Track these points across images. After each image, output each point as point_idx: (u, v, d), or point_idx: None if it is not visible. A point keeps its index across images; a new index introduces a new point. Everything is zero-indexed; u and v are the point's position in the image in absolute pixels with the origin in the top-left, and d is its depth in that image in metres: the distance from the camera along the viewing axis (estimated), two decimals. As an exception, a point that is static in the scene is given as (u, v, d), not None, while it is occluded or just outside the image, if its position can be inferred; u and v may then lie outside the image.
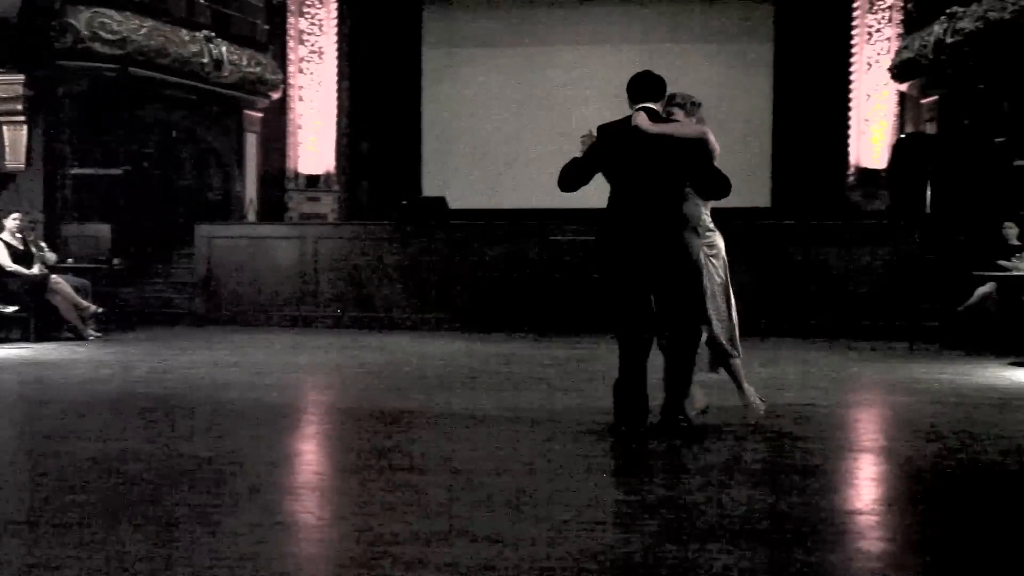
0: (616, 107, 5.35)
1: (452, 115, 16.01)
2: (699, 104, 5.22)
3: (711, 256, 5.16)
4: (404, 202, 12.32)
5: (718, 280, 5.18)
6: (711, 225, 5.20)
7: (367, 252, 11.43)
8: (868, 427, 5.85)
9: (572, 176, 5.07)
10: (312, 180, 15.37)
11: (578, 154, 5.12)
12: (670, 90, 5.10)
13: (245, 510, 3.69)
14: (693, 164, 4.90)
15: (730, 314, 5.25)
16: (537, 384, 6.97)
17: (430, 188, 15.56)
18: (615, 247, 4.94)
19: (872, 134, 14.22)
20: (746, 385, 5.39)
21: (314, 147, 15.37)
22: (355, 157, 15.89)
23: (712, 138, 4.93)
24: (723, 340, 5.22)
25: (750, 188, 13.84)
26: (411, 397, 6.41)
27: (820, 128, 14.57)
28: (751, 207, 13.20)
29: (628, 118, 5.00)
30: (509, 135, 15.81)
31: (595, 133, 5.09)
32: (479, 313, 11.02)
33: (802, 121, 14.83)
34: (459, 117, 15.97)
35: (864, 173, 14.19)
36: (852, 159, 14.32)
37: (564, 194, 5.29)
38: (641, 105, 4.99)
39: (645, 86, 5.02)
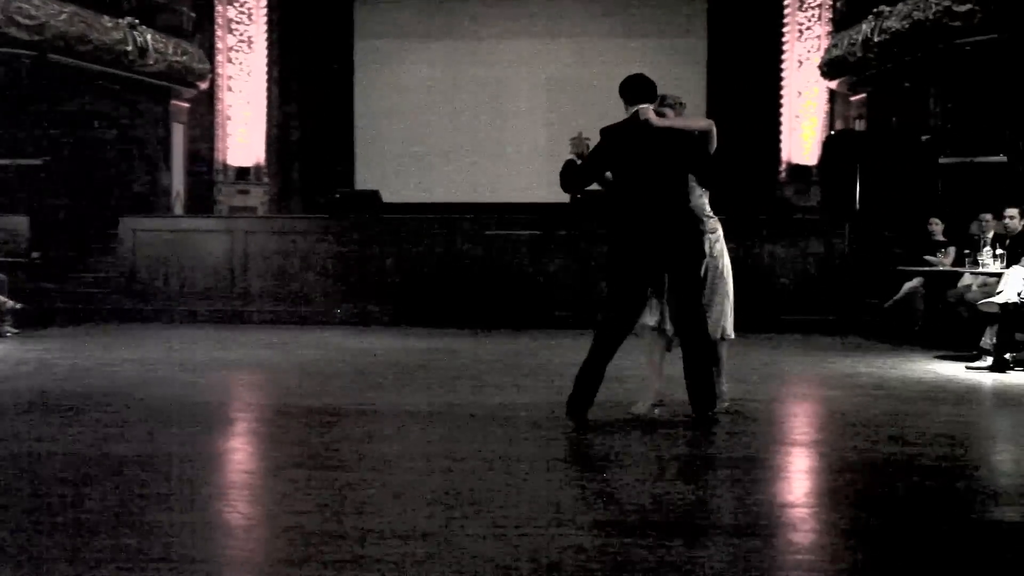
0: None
1: (385, 107, 15.89)
2: (685, 104, 5.59)
3: (715, 241, 5.47)
4: (337, 195, 12.20)
5: (726, 263, 5.50)
6: (710, 212, 5.49)
7: (299, 246, 11.29)
8: (799, 421, 5.95)
9: (577, 178, 5.38)
10: (242, 172, 15.12)
11: (569, 155, 5.38)
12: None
13: (172, 510, 3.62)
14: (699, 155, 5.28)
15: (727, 294, 5.50)
16: (472, 380, 6.96)
17: (363, 181, 15.44)
18: (635, 242, 5.18)
19: (803, 130, 14.48)
20: (724, 373, 5.60)
21: (244, 138, 15.12)
22: (286, 149, 15.68)
23: (715, 131, 5.30)
24: (723, 322, 5.45)
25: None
26: (343, 394, 6.35)
27: (752, 124, 14.77)
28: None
29: (632, 118, 5.29)
30: (443, 128, 15.75)
31: (585, 135, 5.39)
32: (414, 308, 10.97)
33: (735, 117, 14.97)
34: (392, 109, 15.85)
35: (795, 169, 14.44)
36: (784, 155, 14.56)
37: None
38: (640, 106, 5.29)
39: (642, 88, 5.33)
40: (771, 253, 10.88)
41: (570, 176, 5.34)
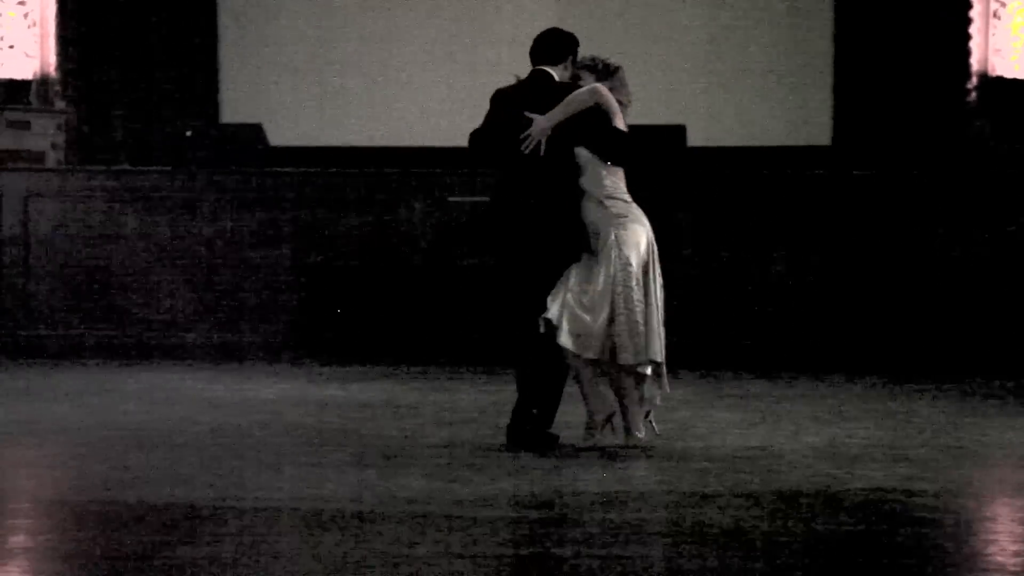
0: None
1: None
2: (617, 67, 7.45)
3: (621, 229, 7.19)
4: (189, 132, 12.24)
5: (628, 261, 7.13)
6: (623, 196, 7.32)
7: (121, 222, 11.37)
8: (1004, 528, 6.02)
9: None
10: (15, 90, 15.14)
11: None
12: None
13: None
14: (589, 130, 7.27)
15: (644, 309, 7.15)
16: (430, 456, 7.08)
17: (234, 111, 15.43)
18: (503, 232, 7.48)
19: (1011, 18, 14.53)
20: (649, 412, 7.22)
21: (16, 33, 15.08)
22: (95, 53, 15.70)
23: (606, 97, 7.19)
24: (627, 341, 7.05)
25: (798, 116, 14.06)
26: (207, 482, 6.44)
27: (917, 10, 14.83)
28: (799, 145, 13.40)
29: (525, 82, 7.56)
30: (374, 31, 15.72)
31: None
32: (326, 331, 11.01)
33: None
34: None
35: (996, 87, 14.49)
36: (974, 63, 14.63)
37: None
38: (539, 67, 7.50)
39: (543, 46, 7.56)
40: (956, 233, 10.86)
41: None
